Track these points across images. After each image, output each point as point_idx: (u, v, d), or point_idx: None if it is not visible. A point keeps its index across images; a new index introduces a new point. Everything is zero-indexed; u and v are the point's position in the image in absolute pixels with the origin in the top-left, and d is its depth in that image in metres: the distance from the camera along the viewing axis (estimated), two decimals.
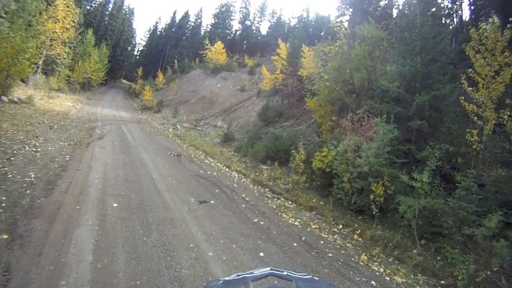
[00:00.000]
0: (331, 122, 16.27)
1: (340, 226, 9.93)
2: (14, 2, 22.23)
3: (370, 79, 16.28)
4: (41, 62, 31.38)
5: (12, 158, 9.96)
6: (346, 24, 29.39)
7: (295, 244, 7.83)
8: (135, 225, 7.33)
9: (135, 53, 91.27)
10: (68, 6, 33.91)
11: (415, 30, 13.34)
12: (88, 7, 57.49)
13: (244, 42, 72.80)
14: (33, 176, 8.94)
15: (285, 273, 1.55)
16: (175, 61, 63.08)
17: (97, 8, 61.41)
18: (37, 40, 24.55)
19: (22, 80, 26.83)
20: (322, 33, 40.37)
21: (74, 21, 34.68)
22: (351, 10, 31.00)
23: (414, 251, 8.74)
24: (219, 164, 16.62)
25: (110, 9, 66.11)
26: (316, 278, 1.61)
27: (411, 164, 11.12)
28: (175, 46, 72.74)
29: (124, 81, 79.61)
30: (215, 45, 50.49)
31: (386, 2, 33.76)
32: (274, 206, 11.00)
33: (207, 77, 48.29)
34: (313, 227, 9.52)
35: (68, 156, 11.93)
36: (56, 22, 32.22)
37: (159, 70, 59.07)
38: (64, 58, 35.87)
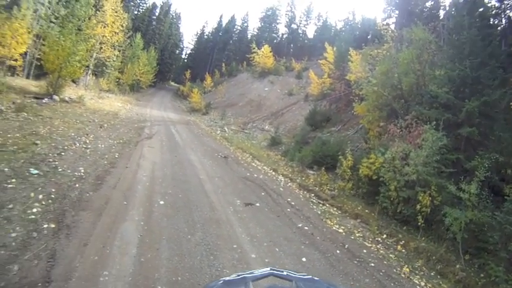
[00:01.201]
0: (378, 127, 16.13)
1: (384, 236, 9.84)
2: (64, 7, 23.48)
3: (418, 84, 16.02)
4: (91, 64, 33.50)
5: (63, 153, 10.54)
6: (392, 26, 29.06)
7: (338, 251, 7.88)
8: (181, 223, 7.56)
9: (183, 56, 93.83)
10: (116, 12, 35.94)
11: (463, 32, 13.02)
12: (136, 12, 59.74)
13: (291, 46, 72.81)
14: (82, 170, 9.43)
15: (285, 273, 1.59)
16: (223, 64, 63.97)
17: (144, 13, 64.08)
18: (87, 43, 25.90)
19: (73, 81, 28.60)
20: (368, 37, 39.71)
21: (122, 26, 36.74)
22: (397, 12, 30.54)
23: (457, 266, 8.54)
24: (266, 167, 16.79)
25: (157, 14, 68.74)
26: (316, 278, 1.62)
27: (459, 174, 10.55)
28: (223, 50, 73.93)
29: (172, 83, 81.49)
30: (262, 49, 50.63)
31: (432, 2, 32.90)
32: (319, 212, 11.04)
33: (255, 80, 48.69)
34: (357, 235, 9.52)
35: (117, 154, 12.47)
36: (105, 27, 34.24)
37: (207, 73, 60.19)
38: (114, 61, 38.05)
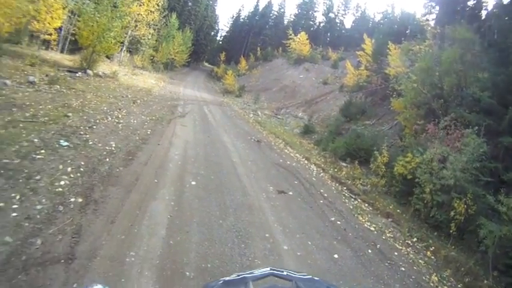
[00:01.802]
0: (417, 125, 15.56)
1: (415, 239, 9.49)
2: None
3: (459, 85, 15.37)
4: (126, 41, 33.66)
5: (94, 127, 10.49)
6: (432, 23, 28.15)
7: (369, 251, 7.61)
8: (212, 206, 7.38)
9: (218, 38, 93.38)
10: None
11: (510, 35, 12.46)
12: None
13: (328, 35, 72.15)
14: (113, 145, 9.39)
15: (285, 273, 1.58)
16: (258, 49, 63.68)
17: None
18: (122, 20, 25.88)
19: (107, 57, 29.04)
20: (407, 31, 38.86)
21: (158, 5, 36.49)
22: (437, 8, 29.54)
23: (485, 281, 8.11)
24: (298, 155, 16.52)
25: None
26: (316, 278, 1.62)
27: (495, 184, 10.21)
28: (258, 34, 73.54)
29: (206, 64, 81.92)
30: (299, 36, 50.19)
31: (474, 2, 31.80)
32: (351, 207, 10.73)
33: (290, 67, 48.32)
34: (387, 235, 9.22)
35: (150, 131, 12.43)
36: (140, 5, 34.11)
37: (242, 56, 59.88)
38: (148, 39, 38.02)
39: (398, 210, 11.62)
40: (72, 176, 6.66)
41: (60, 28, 24.36)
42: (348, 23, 75.40)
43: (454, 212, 9.81)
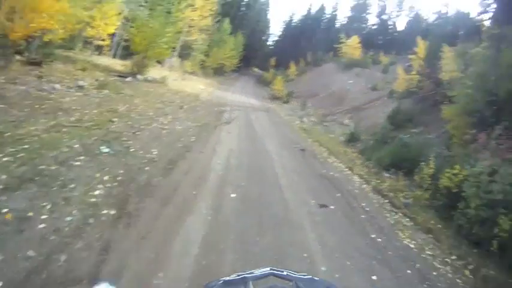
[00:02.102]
0: (467, 135, 14.95)
1: (454, 257, 9.01)
2: None
3: None
4: (178, 46, 34.06)
5: (138, 133, 10.60)
6: (487, 22, 27.04)
7: (409, 271, 7.29)
8: (251, 222, 7.05)
9: (269, 43, 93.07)
10: None
11: None
12: None
13: (380, 38, 70.66)
14: (155, 152, 9.35)
15: (285, 273, 1.57)
16: (309, 53, 63.10)
17: None
18: (175, 26, 26.48)
19: (158, 62, 29.76)
20: (461, 32, 37.71)
21: (211, 10, 37.25)
22: (493, 6, 28.30)
23: None
24: (342, 164, 16.20)
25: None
26: (316, 278, 1.62)
27: None
28: (310, 38, 72.77)
29: (256, 69, 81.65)
30: (350, 39, 49.64)
31: None
32: (392, 222, 10.40)
33: (339, 71, 47.82)
34: (427, 252, 8.83)
35: (194, 137, 12.44)
36: (194, 10, 34.67)
37: (292, 61, 59.61)
38: (200, 44, 38.59)
39: (439, 226, 11.09)
40: (108, 185, 6.64)
41: (113, 34, 25.21)
42: (401, 25, 74.26)
43: (499, 228, 9.26)
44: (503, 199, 9.60)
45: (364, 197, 12.15)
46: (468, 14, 44.24)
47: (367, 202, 11.46)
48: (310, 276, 1.60)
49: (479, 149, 12.81)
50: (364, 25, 73.93)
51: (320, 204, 9.60)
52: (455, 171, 11.95)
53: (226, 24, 45.87)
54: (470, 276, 8.24)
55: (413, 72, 31.18)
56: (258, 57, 79.66)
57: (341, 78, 44.81)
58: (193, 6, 34.35)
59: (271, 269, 1.58)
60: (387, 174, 15.86)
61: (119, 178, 7.12)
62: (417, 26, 61.97)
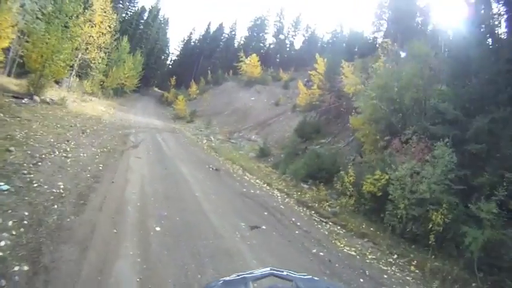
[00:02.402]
0: (381, 141, 15.54)
1: (395, 256, 9.34)
2: (52, 3, 22.64)
3: (418, 99, 15.48)
4: (75, 65, 32.24)
5: (40, 164, 9.10)
6: (380, 40, 28.94)
7: (361, 280, 7.16)
8: (185, 257, 6.30)
9: (168, 62, 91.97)
10: (105, 11, 35.40)
11: (471, 48, 12.54)
12: (124, 15, 58.83)
13: (278, 56, 73.05)
14: (62, 186, 7.96)
15: (285, 273, 1.53)
16: (209, 72, 63.20)
17: (133, 16, 63.57)
18: (73, 42, 25.07)
19: (56, 82, 27.66)
20: (355, 49, 40.03)
21: (110, 27, 36.00)
22: (385, 26, 30.40)
23: (473, 284, 8.28)
24: (259, 181, 16.06)
25: (145, 17, 67.50)
26: (316, 278, 1.58)
27: (466, 191, 10.48)
28: (209, 57, 73.14)
29: (156, 89, 79.67)
30: (249, 58, 50.47)
31: (422, 18, 33.30)
32: (326, 232, 10.35)
33: (241, 89, 48.24)
34: (369, 256, 8.89)
35: (101, 166, 11.22)
36: (92, 26, 33.29)
37: (192, 80, 59.23)
38: (99, 63, 36.54)
39: (371, 229, 11.37)
40: (14, 232, 5.33)
41: (8, 49, 23.27)
42: (298, 44, 76.40)
43: (432, 223, 9.84)
44: (431, 197, 10.18)
45: (291, 211, 12.00)
46: (362, 32, 47.43)
47: (295, 217, 11.30)
48: (310, 276, 1.56)
49: (393, 153, 13.25)
50: (262, 44, 75.60)
51: (251, 226, 9.13)
52: (376, 177, 12.30)
53: (125, 42, 43.92)
54: (417, 271, 8.55)
55: (314, 87, 32.22)
56: (157, 76, 78.08)
57: (243, 95, 45.23)
58: (91, 21, 32.77)
59: (271, 269, 1.54)
60: (306, 186, 15.95)
61: (26, 222, 5.80)
62: (313, 44, 65.27)
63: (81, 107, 25.56)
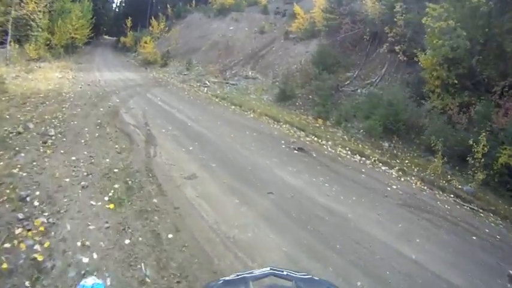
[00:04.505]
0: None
1: None
2: None
3: None
4: (10, 27, 25.87)
5: None
6: None
7: None
8: None
9: (116, 4, 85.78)
10: None
11: None
12: None
13: None
14: None
15: (285, 273, 1.57)
16: (168, 6, 58.32)
17: None
18: None
19: None
20: None
21: None
22: None
23: None
24: (341, 148, 12.91)
25: None
26: (316, 278, 1.63)
27: None
28: None
29: (106, 37, 74.34)
30: None
31: None
32: (487, 230, 8.44)
33: (213, 20, 44.29)
34: None
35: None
36: None
37: (152, 18, 54.08)
38: (40, 18, 30.30)
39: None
40: None
41: None
42: None
43: None
44: None
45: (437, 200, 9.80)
46: None
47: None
48: (310, 276, 1.62)
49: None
50: None
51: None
52: None
53: None
54: None
55: (313, 10, 28.12)
56: (106, 23, 72.47)
57: (218, 26, 41.32)
58: None
59: (271, 269, 1.57)
60: (386, 144, 13.82)
61: None
62: None
63: (28, 83, 18.64)
